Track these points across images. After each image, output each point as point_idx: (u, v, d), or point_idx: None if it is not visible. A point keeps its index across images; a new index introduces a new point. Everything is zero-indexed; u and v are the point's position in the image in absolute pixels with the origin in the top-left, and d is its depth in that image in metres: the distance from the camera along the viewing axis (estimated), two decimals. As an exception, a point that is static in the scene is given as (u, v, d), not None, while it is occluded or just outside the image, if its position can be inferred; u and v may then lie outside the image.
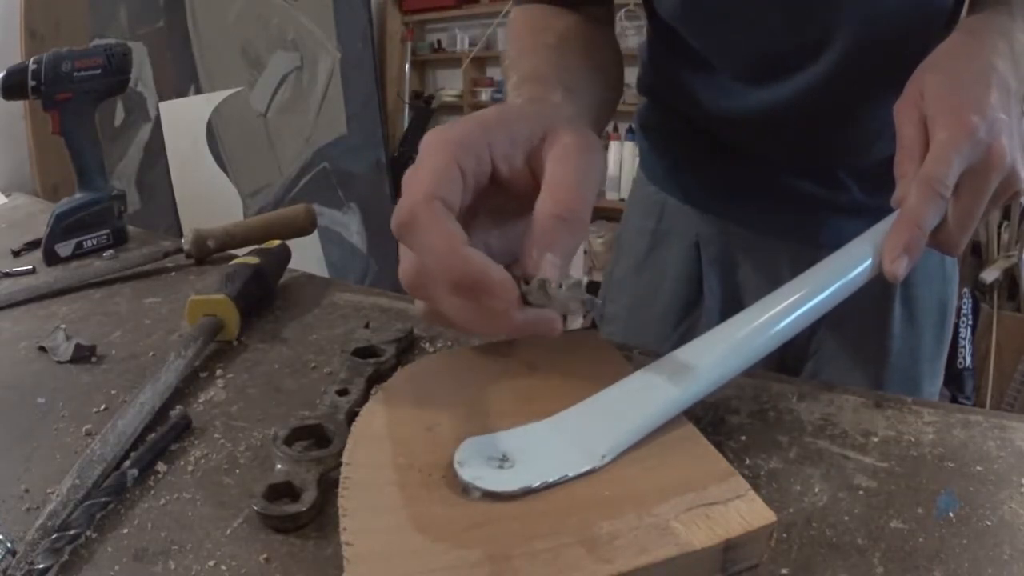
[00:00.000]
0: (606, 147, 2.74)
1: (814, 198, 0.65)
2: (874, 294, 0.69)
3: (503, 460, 0.36)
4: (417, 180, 0.36)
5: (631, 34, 2.70)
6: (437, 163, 0.36)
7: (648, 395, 0.40)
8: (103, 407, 0.50)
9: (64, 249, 0.80)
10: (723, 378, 0.42)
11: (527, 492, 0.35)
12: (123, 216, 0.86)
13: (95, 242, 0.83)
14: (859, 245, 0.44)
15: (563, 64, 0.53)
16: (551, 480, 0.35)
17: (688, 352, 0.43)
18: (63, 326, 0.60)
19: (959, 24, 0.47)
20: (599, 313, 0.36)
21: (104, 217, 0.84)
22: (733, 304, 0.45)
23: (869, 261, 0.43)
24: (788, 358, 0.72)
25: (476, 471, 0.35)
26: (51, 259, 0.79)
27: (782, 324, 0.42)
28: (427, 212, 0.35)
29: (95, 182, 0.84)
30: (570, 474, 0.36)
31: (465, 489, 0.35)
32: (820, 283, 0.43)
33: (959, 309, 2.03)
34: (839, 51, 0.55)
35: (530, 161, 0.39)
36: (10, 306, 0.67)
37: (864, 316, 0.69)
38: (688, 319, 0.74)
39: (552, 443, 0.38)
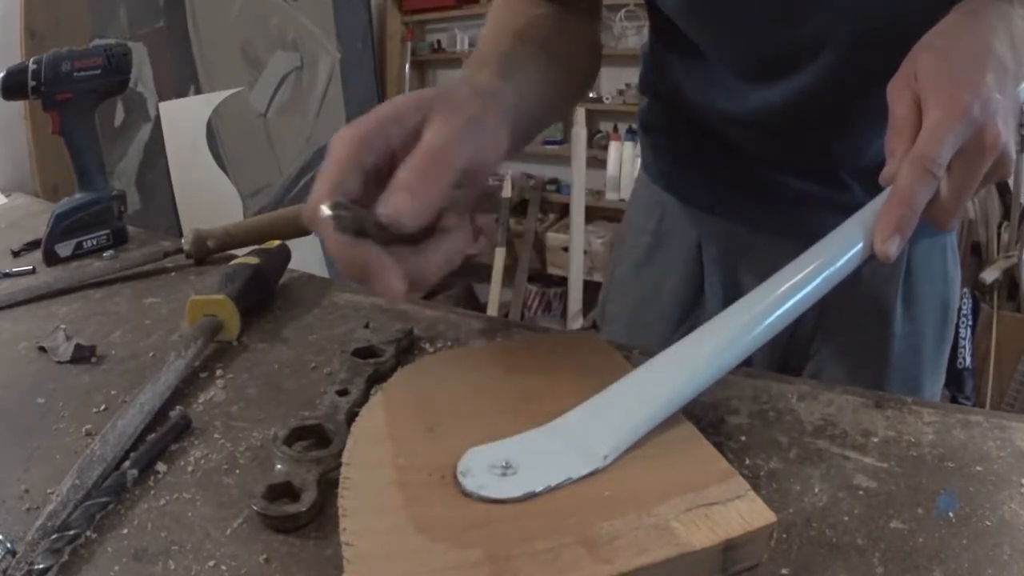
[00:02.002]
0: (606, 147, 2.74)
1: (815, 197, 0.65)
2: (876, 294, 0.68)
3: (506, 468, 0.36)
4: (322, 176, 0.40)
5: (631, 34, 2.69)
6: (339, 158, 0.41)
7: (647, 392, 0.40)
8: (103, 407, 0.50)
9: (64, 249, 0.80)
10: (721, 371, 0.41)
11: (530, 497, 0.35)
12: (123, 216, 0.86)
13: (95, 242, 0.83)
14: (851, 227, 0.44)
15: (514, 49, 0.55)
16: (554, 484, 0.35)
17: (685, 346, 0.43)
18: (63, 326, 0.60)
19: (957, 5, 0.47)
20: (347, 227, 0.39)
21: (104, 217, 0.83)
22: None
23: (862, 243, 0.42)
24: (790, 358, 0.72)
25: (479, 480, 0.35)
26: (51, 259, 0.79)
27: (776, 314, 0.42)
28: (321, 222, 0.38)
29: (95, 182, 0.84)
30: (573, 476, 0.36)
31: (463, 491, 0.35)
32: (813, 269, 0.42)
33: (959, 309, 2.02)
34: (840, 48, 0.55)
35: (417, 141, 0.43)
36: (10, 306, 0.67)
37: (866, 316, 0.69)
38: (690, 319, 0.74)
39: (554, 447, 0.38)
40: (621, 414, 0.39)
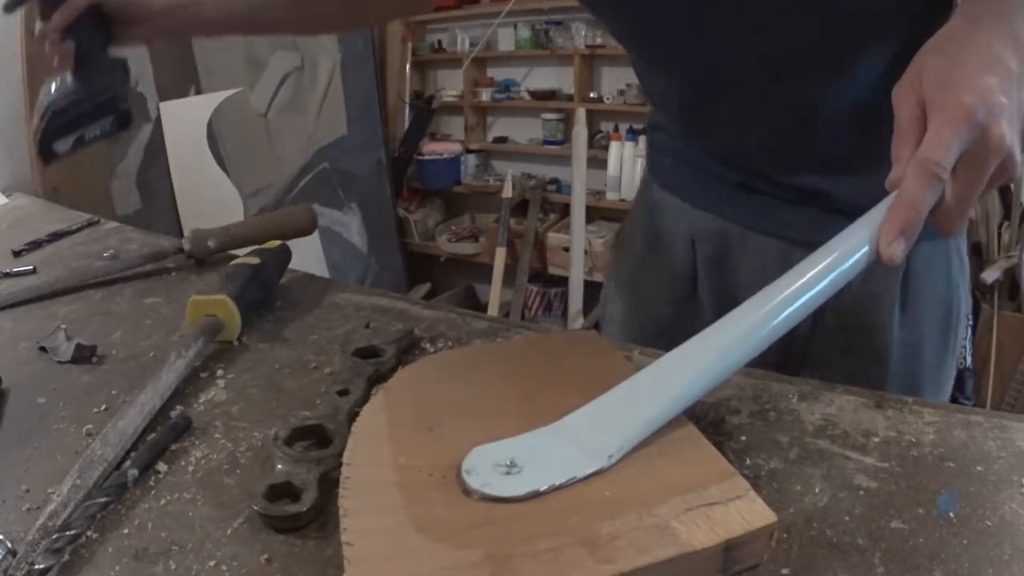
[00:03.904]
0: (606, 147, 2.74)
1: (805, 196, 0.65)
2: (870, 296, 0.68)
3: (511, 466, 0.36)
4: None
5: (631, 34, 2.69)
6: None
7: (653, 393, 0.40)
8: (103, 407, 0.50)
9: (62, 145, 0.69)
10: (725, 373, 0.42)
11: (535, 495, 0.35)
12: (127, 96, 0.72)
13: (98, 131, 0.71)
14: (856, 230, 0.44)
15: None
16: (559, 483, 0.35)
17: (690, 348, 0.43)
18: (63, 326, 0.60)
19: (960, 8, 0.47)
20: None
21: (106, 104, 0.70)
22: (728, 303, 0.46)
23: (867, 247, 0.42)
24: (790, 363, 0.71)
25: (484, 478, 0.36)
26: (48, 158, 0.68)
27: (781, 316, 0.42)
28: None
29: (97, 63, 0.68)
30: (577, 476, 0.36)
31: (466, 490, 0.35)
32: (818, 272, 0.43)
33: (959, 310, 2.00)
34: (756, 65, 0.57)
35: None
36: (10, 306, 0.67)
37: (862, 321, 0.68)
38: (683, 318, 0.74)
39: (559, 447, 0.38)
40: (626, 415, 0.39)
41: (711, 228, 0.71)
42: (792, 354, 0.72)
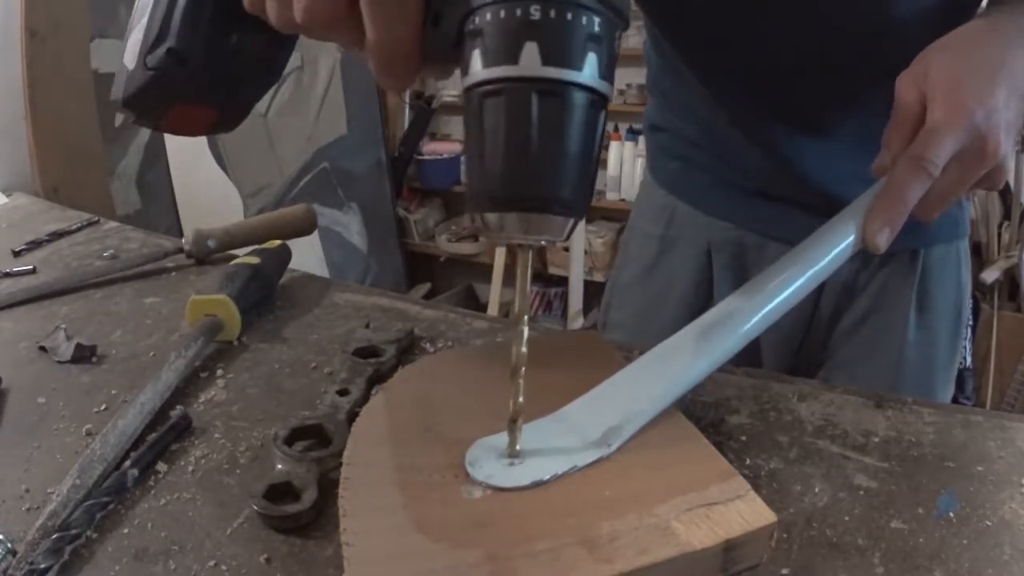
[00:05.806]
0: (606, 147, 2.74)
1: (829, 202, 0.65)
2: (889, 300, 0.68)
3: (513, 457, 0.37)
4: None
5: (631, 34, 2.69)
6: None
7: (649, 381, 0.41)
8: (103, 407, 0.50)
9: None
10: (722, 358, 0.42)
11: (538, 484, 0.35)
12: None
13: None
14: (844, 219, 0.45)
15: None
16: (561, 472, 0.36)
17: (685, 335, 0.43)
18: (63, 326, 0.60)
19: (980, 12, 0.47)
20: None
21: None
22: None
23: (853, 236, 0.44)
24: (801, 365, 0.71)
25: (487, 469, 0.36)
26: None
27: (773, 303, 0.43)
28: None
29: None
30: (579, 464, 0.36)
31: (467, 489, 0.35)
32: (806, 261, 0.44)
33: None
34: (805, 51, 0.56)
35: None
36: (10, 306, 0.67)
37: (879, 323, 0.68)
38: None
39: (560, 437, 0.39)
40: (623, 404, 0.40)
41: (727, 236, 0.71)
42: (808, 357, 0.71)
